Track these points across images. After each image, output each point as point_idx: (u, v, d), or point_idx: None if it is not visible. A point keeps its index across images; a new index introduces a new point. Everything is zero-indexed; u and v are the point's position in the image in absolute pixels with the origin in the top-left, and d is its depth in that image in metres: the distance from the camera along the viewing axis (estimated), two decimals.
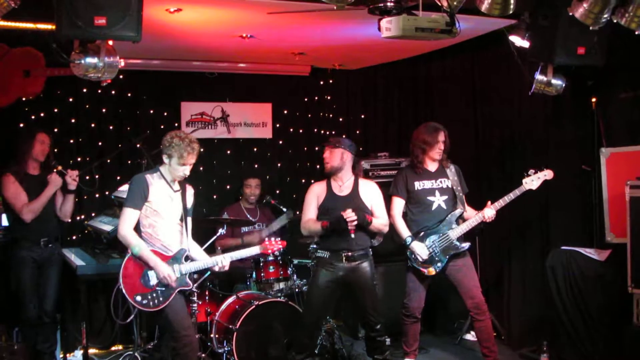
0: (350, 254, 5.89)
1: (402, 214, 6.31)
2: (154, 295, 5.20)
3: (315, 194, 6.09)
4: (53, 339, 6.59)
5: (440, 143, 6.22)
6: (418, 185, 6.25)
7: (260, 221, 7.82)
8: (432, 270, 6.17)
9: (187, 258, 5.44)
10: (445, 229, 6.16)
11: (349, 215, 5.72)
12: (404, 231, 6.22)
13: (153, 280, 5.21)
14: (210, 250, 6.80)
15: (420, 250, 6.11)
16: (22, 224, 6.24)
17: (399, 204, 6.31)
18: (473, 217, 6.17)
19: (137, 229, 5.27)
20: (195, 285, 6.23)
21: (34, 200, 6.24)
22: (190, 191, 5.57)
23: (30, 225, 6.27)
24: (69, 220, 6.80)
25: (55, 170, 6.38)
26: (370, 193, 6.07)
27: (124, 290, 5.17)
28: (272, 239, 5.81)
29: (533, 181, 6.10)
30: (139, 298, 5.17)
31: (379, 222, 6.01)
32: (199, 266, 5.47)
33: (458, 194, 6.27)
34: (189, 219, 5.57)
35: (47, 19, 4.73)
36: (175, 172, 5.32)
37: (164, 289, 5.22)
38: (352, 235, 5.81)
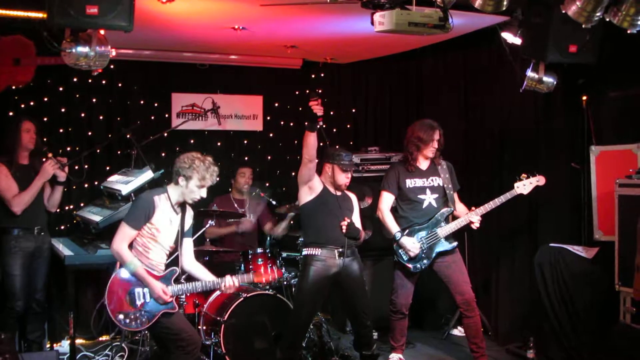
0: (342, 250, 5.88)
1: (391, 209, 6.32)
2: (138, 315, 5.07)
3: (318, 179, 6.02)
4: (42, 329, 6.58)
5: (434, 141, 6.22)
6: (410, 182, 6.26)
7: (249, 212, 7.79)
8: (418, 267, 6.19)
9: (177, 280, 5.34)
10: (434, 226, 6.17)
11: (315, 104, 5.65)
12: (393, 226, 6.23)
13: (139, 300, 5.09)
14: (200, 241, 6.81)
15: (411, 245, 6.12)
16: (13, 213, 6.21)
17: (388, 199, 6.32)
18: (461, 218, 6.18)
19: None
20: (184, 277, 6.22)
21: (24, 192, 6.21)
22: (189, 213, 5.46)
23: (23, 214, 6.24)
24: (57, 211, 6.77)
25: (46, 157, 6.35)
26: (353, 200, 6.17)
27: (107, 307, 5.06)
28: (269, 267, 5.73)
29: (525, 186, 6.13)
30: (121, 317, 5.04)
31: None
32: (191, 288, 5.35)
33: (449, 192, 6.28)
34: (189, 240, 5.50)
35: (39, 7, 4.70)
36: (191, 194, 5.19)
37: (148, 310, 5.10)
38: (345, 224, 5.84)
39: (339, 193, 6.02)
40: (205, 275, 5.39)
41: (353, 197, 6.19)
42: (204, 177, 5.14)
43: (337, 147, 6.39)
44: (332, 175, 5.94)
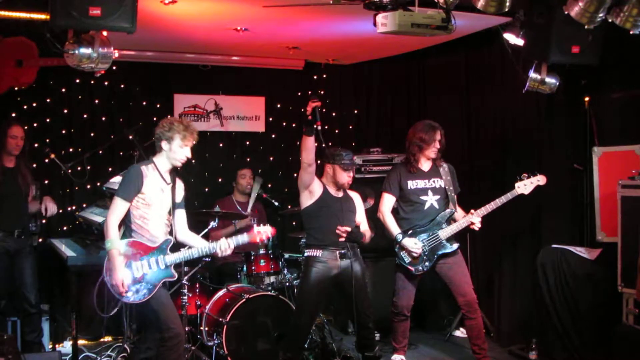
0: (344, 251, 5.87)
1: (392, 211, 6.32)
2: (138, 287, 5.13)
3: (319, 182, 6.00)
4: (40, 329, 6.59)
5: (436, 142, 6.21)
6: (411, 184, 6.25)
7: (252, 214, 7.81)
8: (420, 269, 6.18)
9: (174, 249, 5.37)
10: (435, 228, 6.17)
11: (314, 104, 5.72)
12: (394, 228, 6.22)
13: (137, 273, 5.13)
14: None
15: (412, 245, 6.11)
16: None
17: (389, 200, 6.32)
18: (462, 219, 6.17)
19: (127, 218, 5.21)
20: (186, 277, 6.23)
21: None
22: (180, 184, 5.50)
23: (3, 216, 6.28)
24: (59, 211, 6.81)
25: (48, 158, 6.38)
26: (357, 201, 6.13)
27: (107, 283, 5.11)
28: (262, 225, 5.71)
29: (526, 186, 6.10)
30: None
31: (364, 228, 6.13)
32: (188, 255, 5.36)
33: (450, 194, 6.28)
34: (182, 211, 5.53)
35: (41, 8, 4.71)
36: (176, 155, 5.25)
37: (148, 280, 5.15)
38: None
39: (340, 194, 6.00)
40: (200, 243, 5.44)
41: (356, 196, 6.18)
42: (184, 136, 5.22)
43: (336, 147, 6.37)
44: (333, 176, 5.93)
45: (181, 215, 5.52)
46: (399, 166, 6.46)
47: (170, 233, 5.43)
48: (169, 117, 5.38)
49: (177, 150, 5.24)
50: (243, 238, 5.50)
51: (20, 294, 6.41)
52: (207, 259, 6.91)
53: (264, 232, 5.58)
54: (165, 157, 5.30)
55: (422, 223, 6.20)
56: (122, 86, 7.84)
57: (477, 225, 6.12)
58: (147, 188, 5.22)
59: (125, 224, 5.25)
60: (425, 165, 6.31)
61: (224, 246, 5.35)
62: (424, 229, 6.18)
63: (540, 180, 6.13)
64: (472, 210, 6.11)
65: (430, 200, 6.24)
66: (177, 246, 5.47)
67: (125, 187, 5.21)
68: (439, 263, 6.19)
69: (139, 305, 5.26)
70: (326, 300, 6.35)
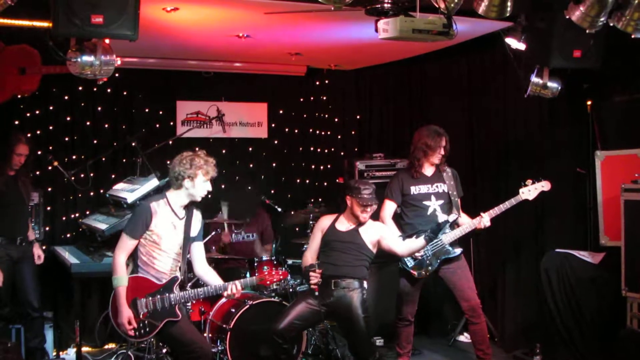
0: (338, 281, 5.80)
1: (396, 216, 6.31)
2: (141, 325, 5.09)
3: (320, 227, 6.05)
4: (42, 335, 6.60)
5: (441, 148, 6.22)
6: (414, 189, 6.25)
7: (254, 220, 7.81)
8: (423, 273, 6.18)
9: (182, 286, 5.34)
10: (439, 233, 6.17)
11: (314, 275, 5.71)
12: (396, 232, 6.22)
13: (142, 310, 5.09)
14: (205, 249, 6.80)
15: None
16: None
17: (390, 207, 6.33)
18: (467, 224, 6.16)
19: (135, 254, 5.18)
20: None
21: None
22: (197, 216, 5.45)
23: (6, 224, 6.30)
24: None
25: (51, 165, 6.40)
26: (375, 229, 5.95)
27: (112, 319, 5.10)
28: (274, 269, 5.67)
29: (530, 191, 6.10)
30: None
31: (401, 246, 5.90)
32: (194, 294, 5.31)
33: (454, 199, 6.28)
34: (199, 244, 5.48)
35: (44, 16, 4.73)
36: (199, 191, 5.21)
37: (151, 319, 5.11)
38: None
39: (347, 229, 5.95)
40: (213, 281, 5.36)
41: (373, 225, 6.00)
42: (207, 171, 5.20)
43: (358, 180, 6.32)
44: (351, 208, 5.92)
45: (198, 248, 5.48)
46: (402, 172, 6.46)
47: (183, 268, 5.39)
48: (183, 153, 5.28)
49: (200, 185, 5.20)
50: (252, 281, 5.49)
51: (22, 299, 6.42)
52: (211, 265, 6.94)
53: (275, 275, 5.52)
54: (185, 194, 5.24)
55: (426, 228, 6.19)
56: (125, 93, 7.85)
57: (485, 222, 6.07)
58: (157, 225, 5.17)
59: (133, 260, 5.22)
60: (428, 170, 6.32)
61: (234, 290, 5.25)
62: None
63: (544, 186, 6.13)
64: (482, 214, 6.09)
65: (434, 205, 6.24)
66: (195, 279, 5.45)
67: (133, 225, 5.18)
68: (443, 268, 6.19)
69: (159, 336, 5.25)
70: (311, 327, 6.40)
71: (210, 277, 5.41)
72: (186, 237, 5.32)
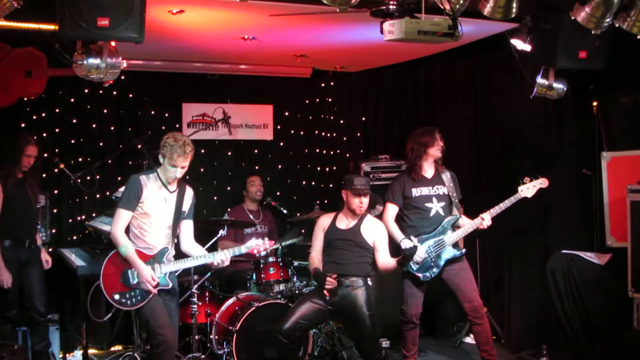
0: (342, 279, 5.82)
1: (398, 219, 6.31)
2: (132, 294, 5.21)
3: (321, 227, 6.08)
4: (47, 339, 6.60)
5: (439, 140, 6.24)
6: (416, 192, 6.26)
7: (262, 223, 7.83)
8: (428, 276, 6.17)
9: (171, 258, 5.39)
10: (441, 234, 6.16)
11: (330, 281, 5.72)
12: (399, 235, 6.21)
13: (133, 280, 5.21)
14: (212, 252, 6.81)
15: (418, 251, 6.09)
16: (6, 225, 6.25)
17: (392, 210, 6.33)
18: (469, 224, 6.17)
19: (127, 227, 5.28)
20: (196, 286, 6.23)
21: None
22: (189, 192, 5.53)
23: (15, 227, 6.31)
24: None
25: (57, 168, 6.41)
26: (374, 230, 5.98)
27: (103, 288, 5.20)
28: (261, 239, 5.70)
29: (528, 189, 6.11)
30: (117, 297, 5.20)
31: (382, 259, 5.92)
32: (183, 265, 5.39)
33: (454, 200, 6.28)
34: (189, 222, 5.55)
35: (50, 19, 4.73)
36: (167, 172, 5.28)
37: (143, 288, 5.21)
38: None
39: (348, 227, 5.99)
40: (200, 254, 5.46)
41: (374, 224, 6.04)
42: (172, 157, 5.19)
43: (352, 174, 6.35)
44: (346, 202, 5.96)
45: (187, 225, 5.55)
46: (402, 175, 6.47)
47: (173, 243, 5.46)
48: (172, 133, 5.35)
49: (167, 167, 5.27)
50: (240, 249, 5.53)
51: (28, 303, 6.43)
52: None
53: (262, 244, 5.58)
54: (163, 171, 5.33)
55: (429, 230, 6.20)
56: (131, 96, 7.87)
57: (486, 222, 6.09)
58: (146, 198, 5.27)
59: (125, 233, 5.30)
60: (428, 172, 6.32)
61: (221, 258, 5.36)
62: (430, 235, 6.18)
63: (542, 183, 6.14)
64: (482, 214, 6.10)
65: (436, 207, 6.24)
66: (181, 256, 5.49)
67: (125, 197, 5.28)
68: (446, 269, 6.19)
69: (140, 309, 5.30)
70: (315, 326, 6.43)
71: (197, 251, 5.51)
72: (177, 211, 5.40)
